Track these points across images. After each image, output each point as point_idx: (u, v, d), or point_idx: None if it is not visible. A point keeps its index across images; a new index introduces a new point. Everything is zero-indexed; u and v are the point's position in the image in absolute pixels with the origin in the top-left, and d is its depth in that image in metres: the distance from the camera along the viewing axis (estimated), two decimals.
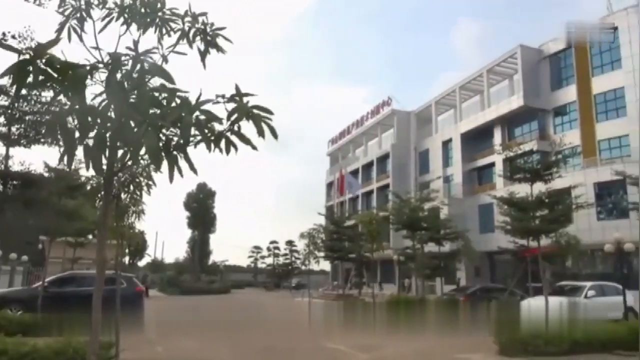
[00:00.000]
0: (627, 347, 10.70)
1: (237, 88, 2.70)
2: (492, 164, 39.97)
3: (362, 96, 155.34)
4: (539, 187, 14.89)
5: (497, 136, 41.52)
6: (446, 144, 47.37)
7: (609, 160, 31.96)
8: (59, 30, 3.39)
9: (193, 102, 2.67)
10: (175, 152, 2.76)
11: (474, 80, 44.70)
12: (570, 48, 37.03)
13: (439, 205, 29.53)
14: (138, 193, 6.86)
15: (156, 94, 2.76)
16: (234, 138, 2.75)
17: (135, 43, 3.12)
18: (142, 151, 2.88)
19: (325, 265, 61.16)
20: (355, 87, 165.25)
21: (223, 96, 2.70)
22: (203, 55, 3.46)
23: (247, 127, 2.71)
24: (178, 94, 2.70)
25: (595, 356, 10.46)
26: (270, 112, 2.68)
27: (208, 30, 3.44)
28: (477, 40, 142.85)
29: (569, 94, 36.69)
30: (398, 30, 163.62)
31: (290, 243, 62.45)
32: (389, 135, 56.43)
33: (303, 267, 56.08)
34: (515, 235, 16.78)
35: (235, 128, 2.72)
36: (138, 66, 2.86)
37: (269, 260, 68.39)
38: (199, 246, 65.14)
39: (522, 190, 15.60)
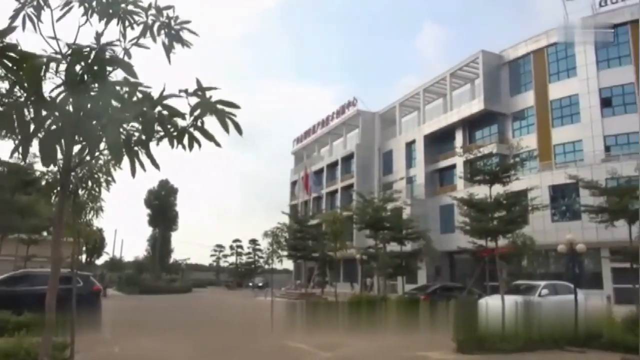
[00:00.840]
0: (577, 344, 11.19)
1: (198, 83, 2.65)
2: (454, 166, 40.87)
3: (328, 96, 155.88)
4: (498, 189, 15.35)
5: (459, 138, 42.49)
6: (409, 145, 48.11)
7: (563, 164, 33.24)
8: (13, 18, 3.25)
9: (156, 96, 2.62)
10: (136, 148, 2.70)
11: (437, 84, 45.59)
12: (529, 55, 38.30)
13: (401, 205, 30.02)
14: (96, 189, 6.68)
15: (118, 88, 2.69)
16: (197, 134, 2.70)
17: (98, 35, 3.03)
18: (102, 146, 2.80)
19: (289, 264, 61.15)
20: (322, 87, 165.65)
21: (186, 91, 2.65)
22: (167, 49, 3.39)
23: (211, 123, 2.68)
24: (140, 88, 2.64)
25: (548, 352, 10.87)
26: (236, 106, 2.64)
27: (173, 24, 3.38)
28: (441, 44, 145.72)
29: (527, 99, 37.93)
30: (365, 32, 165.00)
31: (253, 242, 62.06)
32: (354, 136, 56.87)
33: (266, 266, 55.81)
34: (474, 235, 17.25)
35: (199, 124, 2.68)
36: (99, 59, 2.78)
37: (232, 259, 67.78)
38: (160, 244, 63.78)
39: (481, 191, 16.05)
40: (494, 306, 12.50)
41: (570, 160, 33.87)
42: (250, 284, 57.07)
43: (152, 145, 2.72)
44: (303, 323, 15.84)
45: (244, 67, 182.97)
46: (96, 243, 45.50)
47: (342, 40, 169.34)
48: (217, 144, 2.71)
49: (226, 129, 2.60)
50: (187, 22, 3.39)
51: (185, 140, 2.72)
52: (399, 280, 29.12)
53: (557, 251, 17.73)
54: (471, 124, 42.19)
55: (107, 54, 2.88)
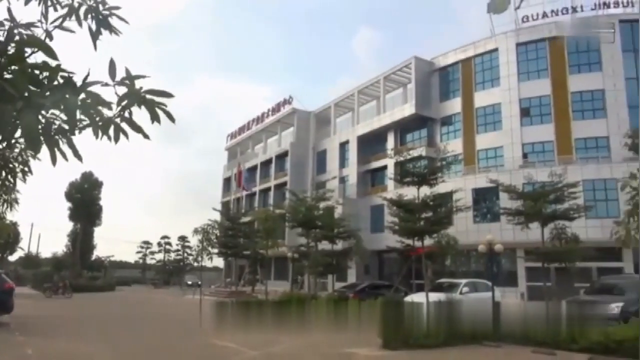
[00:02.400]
0: (493, 339, 11.87)
1: (127, 71, 2.52)
2: (385, 167, 41.94)
3: (264, 93, 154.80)
4: (425, 191, 15.95)
5: (391, 141, 43.69)
6: (343, 145, 48.82)
7: (486, 169, 35.10)
8: None
9: (79, 83, 2.46)
10: (57, 137, 2.53)
11: (372, 86, 46.60)
12: (457, 63, 40.10)
13: (333, 204, 30.36)
14: (11, 180, 6.19)
15: (37, 72, 2.51)
16: (124, 125, 2.58)
17: (10, 11, 2.80)
18: (18, 133, 2.60)
19: (219, 262, 60.10)
20: (257, 84, 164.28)
21: (113, 78, 2.51)
22: (94, 35, 3.20)
23: (140, 115, 2.56)
24: (62, 73, 2.47)
25: (467, 347, 11.45)
26: (168, 95, 2.53)
27: (101, 8, 3.19)
28: (376, 48, 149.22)
29: (455, 106, 39.69)
30: (303, 32, 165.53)
31: (182, 239, 60.32)
32: (289, 134, 56.86)
33: (195, 264, 54.43)
34: (402, 235, 17.81)
35: (126, 114, 2.55)
36: (16, 39, 2.58)
37: (160, 256, 65.54)
38: (82, 240, 60.36)
39: (410, 193, 16.61)
40: (419, 303, 12.99)
41: (492, 165, 35.81)
42: (189, 282, 55.20)
43: (75, 134, 2.56)
44: (232, 321, 15.63)
45: (177, 59, 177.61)
46: (9, 238, 42.31)
47: (282, 38, 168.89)
48: (146, 136, 2.60)
49: (157, 120, 2.49)
50: (117, 7, 3.22)
51: (112, 131, 2.58)
52: (330, 278, 29.48)
53: (477, 251, 18.72)
54: (402, 127, 43.50)
55: (26, 35, 2.67)
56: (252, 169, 58.78)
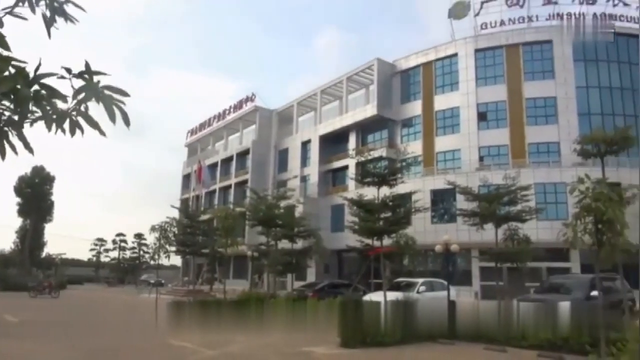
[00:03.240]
0: (447, 336, 12.17)
1: (87, 65, 2.44)
2: (346, 167, 42.26)
3: (227, 90, 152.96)
4: (385, 191, 16.15)
5: (352, 141, 44.05)
6: (305, 144, 48.86)
7: (444, 171, 35.95)
8: None
9: (32, 74, 2.36)
10: (6, 129, 2.42)
11: (334, 86, 46.85)
12: (419, 67, 40.83)
13: (294, 203, 30.35)
14: None
15: None
16: (80, 119, 2.49)
17: None
18: None
19: (177, 260, 58.94)
20: (222, 80, 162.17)
21: (69, 71, 2.43)
22: (48, 23, 3.07)
23: (97, 109, 2.48)
24: (14, 63, 2.37)
25: (422, 344, 11.70)
26: (125, 94, 2.47)
27: None
28: (339, 48, 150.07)
29: (416, 108, 40.43)
30: (265, 30, 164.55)
31: (139, 236, 58.76)
32: (251, 132, 56.38)
33: (152, 262, 53.09)
34: (362, 234, 17.96)
35: (82, 108, 2.46)
36: None
37: (115, 254, 63.60)
38: (31, 237, 57.89)
39: (370, 193, 16.78)
40: (377, 302, 13.16)
41: (450, 167, 36.70)
42: (152, 280, 53.60)
43: (27, 127, 2.46)
44: (189, 321, 15.37)
45: (139, 52, 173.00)
46: None
47: (247, 37, 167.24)
48: (102, 133, 2.52)
49: (112, 118, 2.42)
50: None
51: (67, 125, 2.49)
52: (289, 277, 29.43)
53: (434, 251, 19.12)
54: (364, 128, 43.94)
55: None
56: (213, 166, 57.97)
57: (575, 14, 36.22)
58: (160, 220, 18.56)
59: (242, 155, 55.40)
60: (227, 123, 58.76)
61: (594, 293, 10.62)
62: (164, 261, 19.31)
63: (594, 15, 36.10)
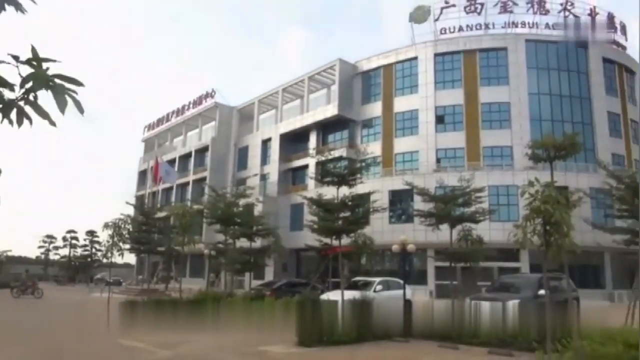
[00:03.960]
0: (403, 335, 12.39)
1: (34, 51, 2.33)
2: (306, 166, 42.31)
3: (184, 86, 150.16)
4: (344, 191, 16.27)
5: (313, 140, 44.14)
6: (266, 142, 48.58)
7: (402, 172, 36.56)
8: None
9: None
10: None
11: (296, 85, 46.81)
12: (379, 68, 41.33)
13: (254, 202, 30.13)
14: None
15: None
16: (28, 109, 2.38)
17: None
18: None
19: (131, 259, 57.40)
20: (178, 76, 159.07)
21: (16, 58, 2.31)
22: None
23: (46, 98, 2.37)
24: None
25: (378, 342, 11.85)
26: (78, 83, 2.37)
27: None
28: (302, 48, 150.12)
29: (376, 109, 40.91)
30: (227, 26, 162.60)
31: (91, 233, 56.84)
32: (210, 128, 55.56)
33: (105, 260, 51.43)
34: (321, 234, 18.03)
35: (31, 98, 2.35)
36: None
37: (65, 252, 61.20)
38: None
39: (329, 192, 16.87)
40: (334, 301, 13.24)
41: (408, 168, 37.35)
42: (111, 279, 51.61)
43: None
44: (143, 321, 15.00)
45: (99, 44, 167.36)
46: None
47: (208, 32, 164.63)
48: (52, 123, 2.41)
49: (62, 108, 2.31)
50: None
51: (14, 115, 2.38)
52: (247, 276, 29.18)
53: (392, 250, 19.42)
54: (325, 127, 44.11)
55: None
56: (171, 162, 56.72)
57: (529, 23, 37.65)
58: (114, 217, 18.03)
59: (201, 152, 54.53)
60: (186, 119, 57.68)
61: (542, 292, 11.05)
62: (117, 259, 18.77)
63: (547, 25, 37.65)
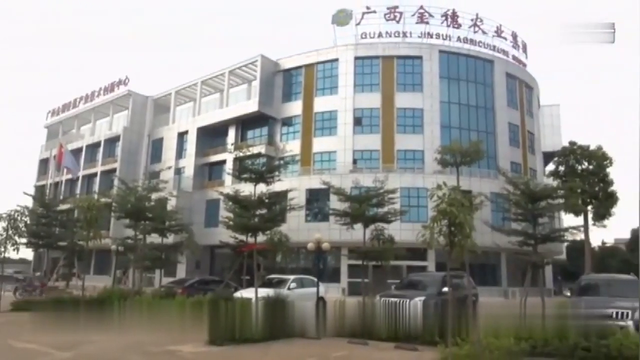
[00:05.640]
0: (316, 332, 12.61)
1: None
2: (224, 162, 41.58)
3: (95, 70, 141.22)
4: (262, 188, 16.22)
5: (232, 135, 43.44)
6: (182, 135, 47.05)
7: (320, 171, 37.12)
8: None
9: None
10: None
11: (216, 78, 45.78)
12: (301, 67, 41.59)
13: (167, 196, 29.04)
14: None
15: None
16: None
17: None
18: None
19: (27, 254, 53.00)
20: (89, 60, 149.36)
21: None
22: None
23: None
24: None
25: (290, 340, 11.97)
26: None
27: None
28: (224, 41, 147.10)
29: (296, 108, 41.12)
30: (148, 12, 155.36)
31: None
32: (122, 117, 52.72)
33: None
34: (236, 230, 17.83)
35: None
36: None
37: None
38: None
39: (247, 189, 16.72)
40: (248, 299, 13.18)
41: (325, 168, 37.96)
42: (21, 276, 46.72)
43: None
44: (40, 320, 13.98)
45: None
46: None
47: (130, 14, 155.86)
48: None
49: None
50: None
51: None
52: (157, 273, 28.13)
53: (307, 248, 19.66)
54: (244, 123, 43.61)
55: None
56: (77, 152, 53.10)
57: (443, 35, 39.82)
58: (9, 209, 16.60)
59: (111, 141, 51.61)
60: (95, 106, 54.24)
61: (445, 289, 11.75)
62: (11, 254, 17.28)
63: (458, 38, 40.05)
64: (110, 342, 11.34)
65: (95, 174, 51.09)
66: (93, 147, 53.45)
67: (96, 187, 47.97)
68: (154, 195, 25.85)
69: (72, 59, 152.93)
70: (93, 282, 31.41)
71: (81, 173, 51.31)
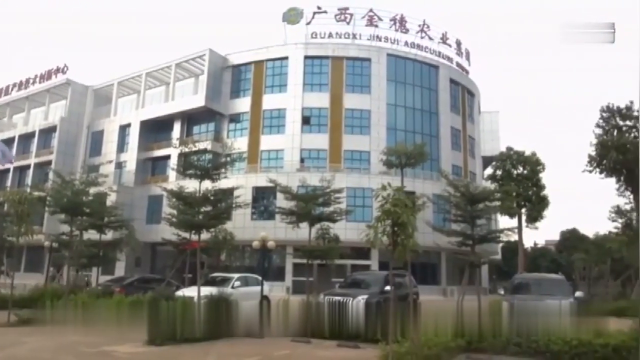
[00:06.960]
0: (260, 331, 12.56)
1: None
2: (168, 157, 40.48)
3: (31, 57, 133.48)
4: (207, 185, 15.94)
5: (177, 130, 42.41)
6: (124, 128, 45.36)
7: (267, 169, 36.93)
8: None
9: None
10: None
11: (162, 70, 44.48)
12: (251, 64, 41.20)
13: (106, 191, 27.95)
14: None
15: None
16: None
17: None
18: None
19: None
20: (23, 44, 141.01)
21: None
22: None
23: None
24: None
25: (232, 339, 11.87)
26: None
27: None
28: (170, 32, 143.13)
29: (244, 104, 40.68)
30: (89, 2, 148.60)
31: None
32: (59, 107, 50.11)
33: None
34: (180, 228, 17.41)
35: None
36: None
37: None
38: None
39: (191, 185, 16.37)
40: (191, 298, 12.92)
41: (273, 166, 37.82)
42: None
43: None
44: None
45: None
46: None
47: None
48: None
49: None
50: None
51: None
52: (94, 271, 27.02)
53: (252, 246, 19.53)
54: (190, 118, 42.67)
55: None
56: (9, 142, 49.91)
57: (391, 39, 40.68)
58: None
59: (47, 132, 48.94)
60: (30, 94, 51.23)
61: (387, 288, 12.03)
62: None
63: (406, 42, 41.06)
64: (42, 343, 10.80)
65: (28, 166, 48.30)
66: (26, 138, 50.49)
67: (29, 180, 45.38)
68: (92, 190, 24.76)
69: (6, 44, 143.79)
70: (24, 280, 29.80)
71: (12, 165, 48.37)
